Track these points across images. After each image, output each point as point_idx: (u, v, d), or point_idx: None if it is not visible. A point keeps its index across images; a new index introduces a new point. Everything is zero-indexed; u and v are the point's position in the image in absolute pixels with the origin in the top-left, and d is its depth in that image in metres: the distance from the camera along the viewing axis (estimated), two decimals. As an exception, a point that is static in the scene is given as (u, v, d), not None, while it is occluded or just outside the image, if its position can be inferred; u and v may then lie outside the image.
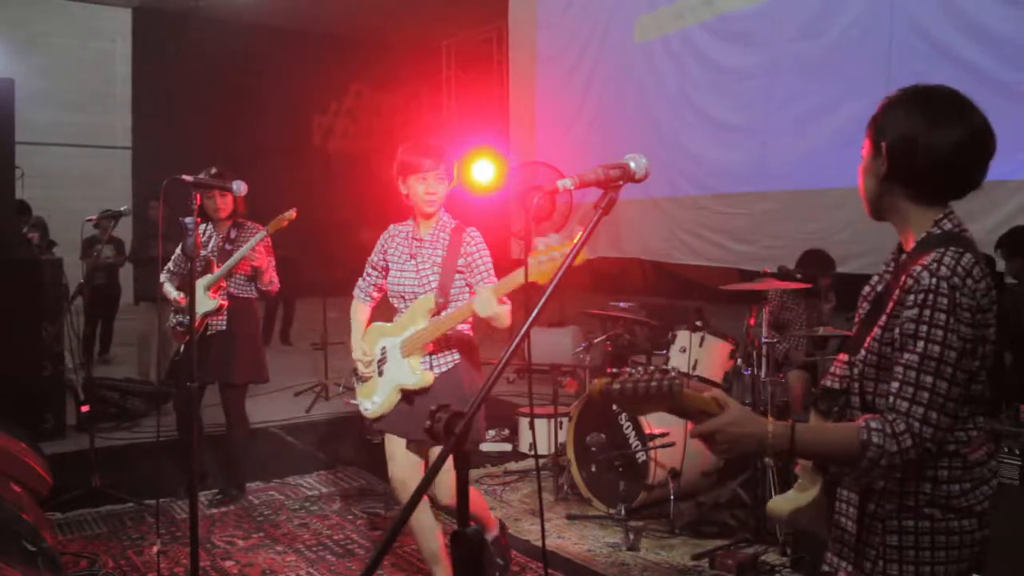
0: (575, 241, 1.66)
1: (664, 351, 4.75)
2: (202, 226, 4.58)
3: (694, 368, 4.46)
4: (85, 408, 5.43)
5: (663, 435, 4.25)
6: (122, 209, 5.00)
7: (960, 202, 1.69)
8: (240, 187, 3.64)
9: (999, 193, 5.00)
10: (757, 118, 6.61)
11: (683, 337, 4.63)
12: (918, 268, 1.55)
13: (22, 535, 3.00)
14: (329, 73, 15.33)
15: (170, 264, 4.67)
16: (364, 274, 3.36)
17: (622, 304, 5.38)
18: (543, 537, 4.08)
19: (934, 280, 1.51)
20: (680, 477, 4.25)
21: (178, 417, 4.67)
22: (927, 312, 1.50)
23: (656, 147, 7.15)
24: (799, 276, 4.76)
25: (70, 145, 12.82)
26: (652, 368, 1.52)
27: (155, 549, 3.60)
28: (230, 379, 4.54)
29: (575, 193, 1.80)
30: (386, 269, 3.26)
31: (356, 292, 3.39)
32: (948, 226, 1.62)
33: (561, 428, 4.92)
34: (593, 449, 4.44)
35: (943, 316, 1.49)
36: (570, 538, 4.15)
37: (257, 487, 4.93)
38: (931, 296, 1.50)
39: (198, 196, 4.48)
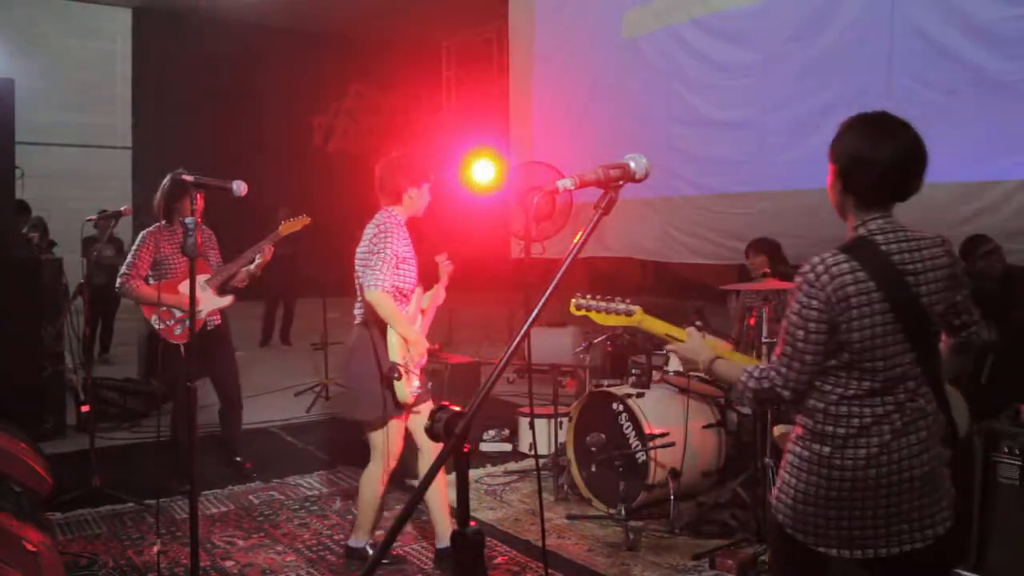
0: (576, 240, 1.66)
1: (664, 351, 4.75)
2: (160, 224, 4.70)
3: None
4: (85, 408, 5.43)
5: (663, 435, 4.25)
6: (121, 209, 5.01)
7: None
8: (240, 187, 3.62)
9: (998, 192, 4.98)
10: (754, 117, 6.58)
11: (683, 337, 4.62)
12: None
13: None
14: (329, 73, 15.32)
15: (124, 268, 4.61)
16: (391, 267, 3.44)
17: (622, 304, 5.36)
18: (543, 537, 4.07)
19: (796, 276, 2.04)
20: (680, 477, 4.25)
21: (174, 416, 4.69)
22: (791, 300, 2.05)
23: (650, 145, 7.11)
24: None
25: (70, 145, 12.81)
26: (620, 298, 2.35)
27: (155, 549, 3.61)
28: (230, 364, 4.99)
29: (575, 193, 1.81)
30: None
31: (387, 286, 3.42)
32: (862, 231, 2.05)
33: (561, 428, 4.92)
34: (593, 449, 4.44)
35: (793, 302, 2.03)
36: (570, 538, 4.15)
37: (257, 487, 4.93)
38: (794, 289, 2.04)
39: (199, 196, 4.48)
